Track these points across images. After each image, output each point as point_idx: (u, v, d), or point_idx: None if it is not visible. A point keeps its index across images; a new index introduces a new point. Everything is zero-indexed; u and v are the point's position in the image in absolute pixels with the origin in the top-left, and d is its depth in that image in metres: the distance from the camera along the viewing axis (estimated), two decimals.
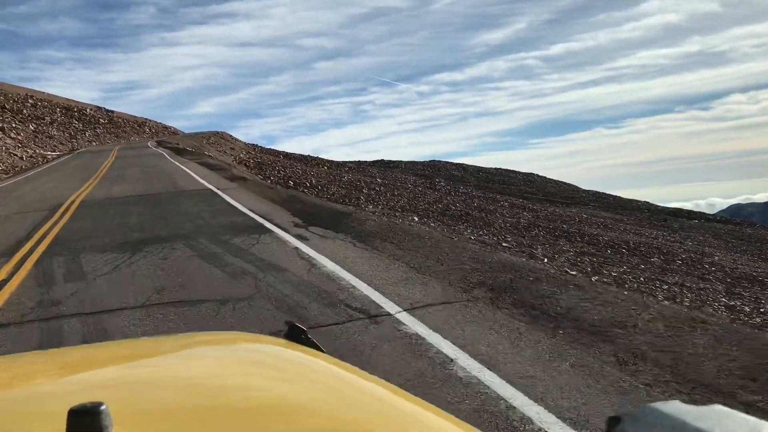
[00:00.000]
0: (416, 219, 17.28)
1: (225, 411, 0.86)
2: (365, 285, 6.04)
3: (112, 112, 65.09)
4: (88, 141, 51.48)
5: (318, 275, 6.63)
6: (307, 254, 7.67)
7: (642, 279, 13.97)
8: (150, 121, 69.89)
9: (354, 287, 5.98)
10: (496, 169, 73.25)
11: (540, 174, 74.52)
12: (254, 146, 47.05)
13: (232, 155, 35.21)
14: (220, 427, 0.80)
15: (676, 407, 0.60)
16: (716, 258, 21.47)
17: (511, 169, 74.12)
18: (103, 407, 0.68)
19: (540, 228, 20.97)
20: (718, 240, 32.14)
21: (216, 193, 15.36)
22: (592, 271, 13.54)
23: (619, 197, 67.21)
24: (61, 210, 13.65)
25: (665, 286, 13.03)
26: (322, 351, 1.29)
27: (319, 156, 47.38)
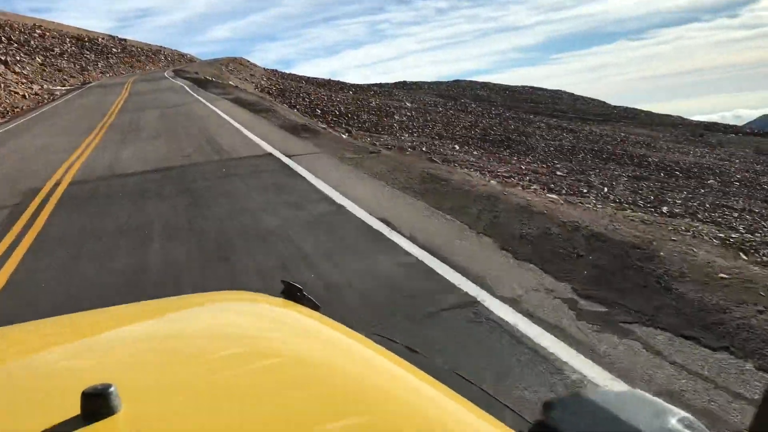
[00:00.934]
0: (457, 148, 16.34)
1: (234, 380, 0.87)
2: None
3: (125, 41, 63.05)
4: (101, 72, 49.52)
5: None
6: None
7: (707, 205, 13.07)
8: (165, 48, 67.19)
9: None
10: (522, 87, 70.87)
11: (567, 90, 72.06)
12: (274, 71, 45.37)
13: (252, 82, 33.86)
14: (232, 397, 0.81)
15: (601, 394, 0.67)
16: (743, 174, 20.30)
17: (537, 86, 71.60)
18: (112, 389, 0.72)
19: (585, 151, 19.90)
20: (762, 155, 30.81)
21: (288, 167, 8.67)
22: (656, 200, 12.63)
23: (650, 112, 65.18)
24: (29, 210, 7.43)
25: (735, 214, 12.15)
26: (318, 307, 1.31)
27: (340, 80, 45.80)
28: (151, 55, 60.94)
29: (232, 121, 14.45)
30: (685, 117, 68.11)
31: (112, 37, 62.79)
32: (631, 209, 10.19)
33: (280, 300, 1.33)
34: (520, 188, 10.28)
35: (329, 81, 41.49)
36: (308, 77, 42.70)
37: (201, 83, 28.71)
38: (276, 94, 29.04)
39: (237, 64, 42.93)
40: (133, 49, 61.50)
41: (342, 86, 38.88)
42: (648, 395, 0.68)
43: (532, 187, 10.96)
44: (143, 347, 1.06)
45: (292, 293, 1.35)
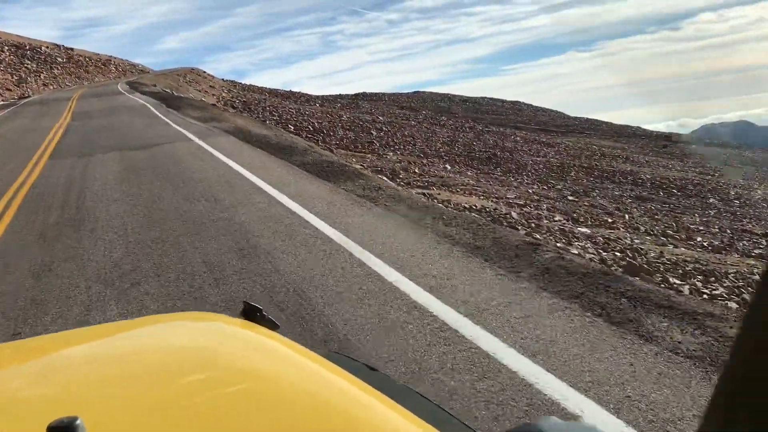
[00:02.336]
0: (448, 168, 15.15)
1: (200, 405, 0.88)
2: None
3: (72, 50, 59.26)
4: (44, 84, 45.53)
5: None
6: None
7: (729, 231, 12.25)
8: (115, 58, 62.94)
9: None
10: (481, 98, 70.82)
11: (525, 102, 72.33)
12: (232, 82, 43.35)
13: (213, 94, 31.94)
14: (199, 422, 0.82)
15: (552, 424, 0.64)
16: (759, 192, 20.01)
17: (496, 97, 71.69)
18: (78, 422, 0.71)
19: (575, 168, 19.05)
20: (733, 168, 30.93)
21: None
22: (680, 227, 11.70)
23: (611, 123, 65.98)
24: None
25: (764, 241, 11.35)
26: (277, 327, 1.30)
27: (302, 91, 44.23)
28: (101, 65, 56.94)
29: (259, 183, 7.45)
30: (640, 127, 69.29)
31: (57, 46, 58.90)
32: (673, 244, 9.16)
33: (240, 321, 1.30)
34: (547, 221, 9.14)
35: (292, 92, 39.86)
36: (270, 88, 40.94)
37: (167, 100, 23.00)
38: (241, 108, 27.35)
39: (195, 75, 40.53)
40: (81, 59, 57.47)
41: (308, 98, 37.38)
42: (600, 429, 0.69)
43: (556, 218, 9.84)
44: (107, 373, 1.04)
45: (251, 313, 1.34)
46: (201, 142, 11.28)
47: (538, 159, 20.36)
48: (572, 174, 17.88)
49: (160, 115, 17.68)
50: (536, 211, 10.21)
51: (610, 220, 10.54)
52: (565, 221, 9.24)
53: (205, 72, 45.84)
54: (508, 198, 10.98)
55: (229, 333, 1.23)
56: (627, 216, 11.54)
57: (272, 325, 1.30)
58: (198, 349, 1.13)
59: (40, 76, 46.66)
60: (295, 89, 47.34)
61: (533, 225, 7.80)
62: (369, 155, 16.89)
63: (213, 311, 4.04)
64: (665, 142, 49.97)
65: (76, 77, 51.36)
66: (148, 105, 21.29)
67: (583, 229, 9.15)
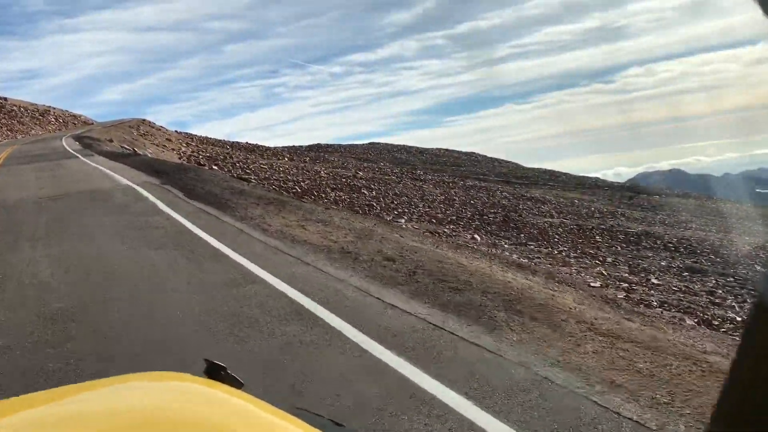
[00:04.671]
0: (477, 238, 13.28)
1: None
2: None
3: (5, 99, 54.62)
4: None
5: None
6: None
7: None
8: (55, 109, 57.24)
9: None
10: (437, 149, 70.51)
11: (479, 152, 72.45)
12: (188, 135, 40.36)
13: (172, 149, 29.24)
14: None
15: None
16: (746, 248, 18.89)
17: (449, 148, 71.52)
18: None
19: (595, 231, 17.59)
20: (703, 218, 30.50)
21: None
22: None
23: (569, 174, 66.72)
24: None
25: None
26: (241, 385, 1.29)
27: (238, 141, 41.86)
28: (38, 116, 51.89)
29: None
30: (598, 177, 70.45)
31: None
32: None
33: (204, 379, 1.28)
34: (672, 331, 7.33)
35: (256, 146, 37.47)
36: (231, 141, 38.36)
37: (163, 174, 14.34)
38: (204, 163, 24.88)
39: (147, 127, 37.30)
40: (14, 108, 52.69)
41: (273, 152, 35.15)
42: None
43: (687, 322, 8.02)
44: None
45: (214, 372, 1.32)
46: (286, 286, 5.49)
47: (549, 221, 18.83)
48: (598, 239, 16.36)
49: (174, 214, 9.34)
50: (634, 308, 8.39)
51: (708, 305, 8.83)
52: (695, 323, 7.41)
53: (154, 123, 42.69)
54: (590, 284, 9.12)
55: (193, 392, 1.18)
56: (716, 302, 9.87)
57: (236, 383, 1.28)
58: (162, 410, 1.07)
59: None
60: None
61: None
62: (380, 226, 14.88)
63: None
64: (630, 193, 50.23)
65: (8, 129, 45.86)
66: (135, 187, 12.42)
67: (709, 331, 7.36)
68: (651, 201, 46.26)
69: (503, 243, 12.88)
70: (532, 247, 12.78)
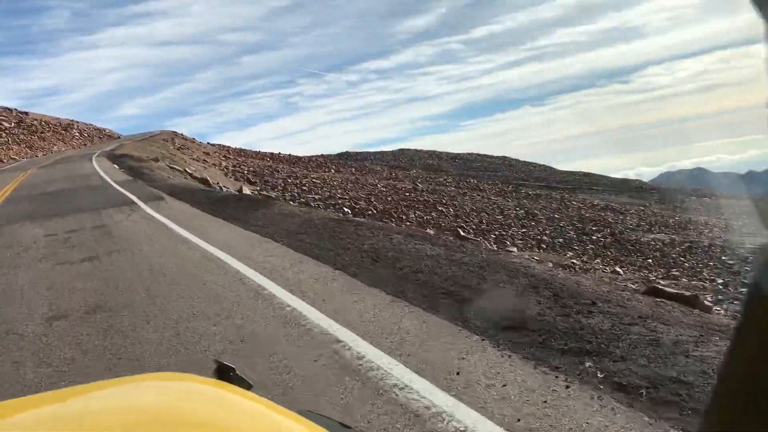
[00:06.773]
0: (620, 272, 11.29)
1: None
2: None
3: (26, 114, 52.82)
4: None
5: None
6: None
7: None
8: (78, 123, 54.37)
9: None
10: (468, 154, 68.53)
11: (511, 157, 70.43)
12: (223, 147, 38.45)
13: (213, 164, 27.50)
14: None
15: None
16: None
17: (481, 153, 69.51)
18: None
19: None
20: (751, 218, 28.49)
21: None
22: None
23: (608, 176, 64.61)
24: None
25: None
26: (251, 386, 1.28)
27: (304, 155, 40.20)
28: (61, 130, 49.41)
29: None
30: (640, 179, 68.13)
31: (8, 110, 52.50)
32: None
33: (213, 380, 1.27)
34: None
35: (300, 158, 35.67)
36: (271, 153, 36.51)
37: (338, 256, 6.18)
38: (254, 181, 23.14)
39: (181, 140, 35.47)
40: (35, 123, 50.18)
41: (318, 163, 33.29)
42: None
43: None
44: None
45: (224, 373, 1.32)
46: None
47: (651, 237, 16.83)
48: (719, 256, 14.36)
49: None
50: None
51: None
52: None
53: (186, 135, 40.87)
54: None
55: (202, 393, 1.17)
56: None
57: (246, 385, 1.28)
58: (172, 411, 1.06)
59: None
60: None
61: None
62: (499, 259, 13.06)
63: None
64: (681, 196, 48.23)
65: (27, 147, 41.84)
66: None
67: None
68: (702, 203, 44.31)
69: (650, 275, 10.95)
70: (685, 281, 10.84)
